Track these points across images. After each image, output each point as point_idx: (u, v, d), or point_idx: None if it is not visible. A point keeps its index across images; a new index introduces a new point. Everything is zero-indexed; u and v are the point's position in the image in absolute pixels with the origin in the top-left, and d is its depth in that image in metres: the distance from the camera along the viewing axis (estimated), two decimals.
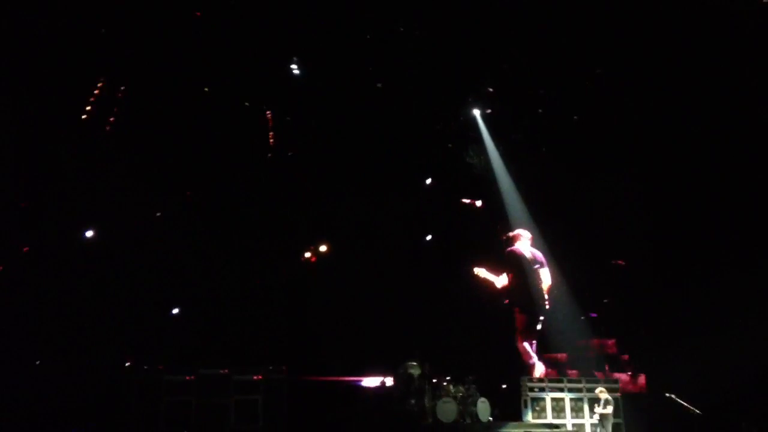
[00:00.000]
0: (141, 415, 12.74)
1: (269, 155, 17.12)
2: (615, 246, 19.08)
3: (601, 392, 14.73)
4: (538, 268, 15.14)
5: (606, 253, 19.18)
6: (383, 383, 14.79)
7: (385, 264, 17.54)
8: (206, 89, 15.04)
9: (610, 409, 14.50)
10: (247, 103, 15.60)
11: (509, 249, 15.36)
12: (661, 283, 18.18)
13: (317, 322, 16.88)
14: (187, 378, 13.07)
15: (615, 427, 15.34)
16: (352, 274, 17.44)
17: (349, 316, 17.05)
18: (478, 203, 18.93)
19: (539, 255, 15.29)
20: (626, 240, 18.64)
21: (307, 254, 18.48)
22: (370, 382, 15.11)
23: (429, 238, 18.78)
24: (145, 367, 13.05)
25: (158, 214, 16.35)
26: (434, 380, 14.19)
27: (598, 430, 14.56)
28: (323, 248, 18.39)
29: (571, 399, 15.38)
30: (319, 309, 17.01)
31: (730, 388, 15.83)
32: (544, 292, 15.12)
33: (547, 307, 15.17)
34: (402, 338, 16.51)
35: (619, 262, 19.42)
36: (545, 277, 15.16)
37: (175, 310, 16.57)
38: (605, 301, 19.29)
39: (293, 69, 14.79)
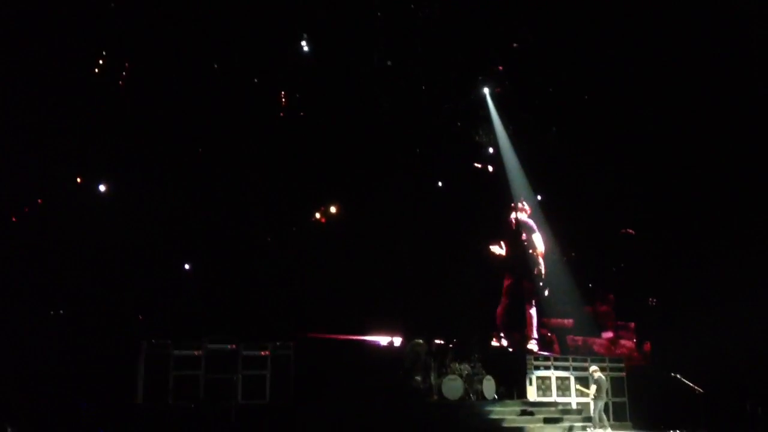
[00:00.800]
0: (149, 389, 12.84)
1: (281, 114, 16.95)
2: (623, 217, 19.11)
3: (595, 371, 14.71)
4: (530, 234, 15.33)
5: (613, 224, 19.22)
6: (391, 343, 14.92)
7: (394, 230, 17.53)
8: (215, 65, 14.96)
9: (593, 390, 14.45)
10: (256, 80, 15.52)
11: (509, 218, 15.54)
12: (672, 257, 18.11)
13: (325, 285, 16.88)
14: (196, 353, 13.17)
15: (619, 407, 15.48)
16: (360, 241, 17.45)
17: (358, 281, 17.07)
18: (490, 168, 18.90)
19: (530, 222, 15.47)
20: (635, 212, 18.66)
21: (317, 215, 18.55)
22: (379, 340, 15.30)
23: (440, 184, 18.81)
24: (154, 341, 13.12)
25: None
26: (440, 358, 14.31)
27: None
28: (333, 210, 18.43)
29: (576, 378, 15.50)
30: (327, 273, 17.02)
31: (736, 367, 15.78)
32: (539, 257, 15.25)
33: (543, 273, 15.27)
34: (410, 305, 16.68)
35: (629, 231, 19.45)
36: (538, 243, 15.34)
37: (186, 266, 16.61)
38: (613, 269, 19.42)
39: (303, 45, 14.69)
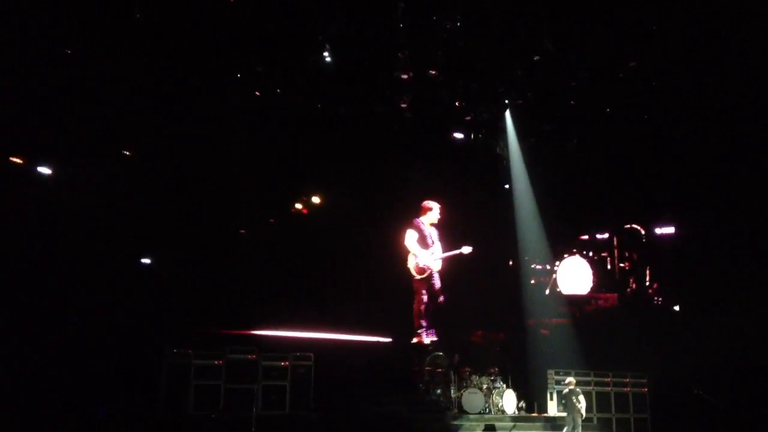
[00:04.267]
0: (169, 398, 12.86)
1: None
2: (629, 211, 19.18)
3: (569, 383, 13.93)
4: (431, 246, 14.58)
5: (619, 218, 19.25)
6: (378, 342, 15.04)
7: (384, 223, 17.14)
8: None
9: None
10: (278, 90, 15.47)
11: (413, 220, 14.70)
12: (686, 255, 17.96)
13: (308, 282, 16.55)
14: (216, 362, 13.21)
15: (639, 422, 15.31)
16: (344, 233, 17.10)
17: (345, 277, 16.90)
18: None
19: (435, 235, 14.48)
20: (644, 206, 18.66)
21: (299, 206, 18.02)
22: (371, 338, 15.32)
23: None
24: (175, 351, 13.15)
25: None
26: (461, 371, 14.25)
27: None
28: (316, 200, 17.91)
29: (597, 393, 15.35)
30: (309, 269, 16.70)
31: (760, 378, 15.41)
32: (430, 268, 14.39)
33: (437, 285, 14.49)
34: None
35: (634, 227, 19.42)
36: (432, 259, 14.31)
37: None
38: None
39: (325, 56, 14.67)
